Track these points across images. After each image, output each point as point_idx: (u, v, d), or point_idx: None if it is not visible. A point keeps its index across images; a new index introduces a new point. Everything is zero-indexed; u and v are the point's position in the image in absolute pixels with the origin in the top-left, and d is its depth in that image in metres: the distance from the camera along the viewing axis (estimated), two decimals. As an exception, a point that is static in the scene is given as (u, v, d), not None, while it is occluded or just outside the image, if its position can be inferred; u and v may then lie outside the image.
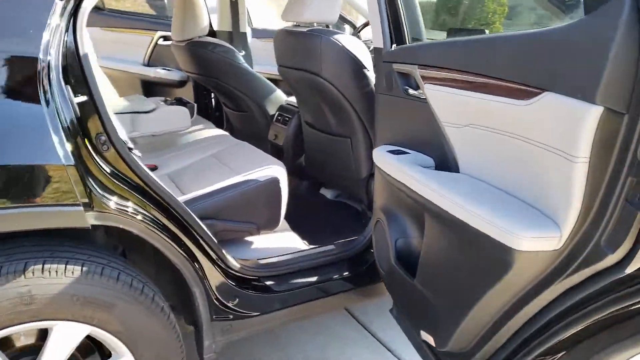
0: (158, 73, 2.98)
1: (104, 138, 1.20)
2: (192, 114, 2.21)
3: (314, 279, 1.61)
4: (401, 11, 1.44)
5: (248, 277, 1.51)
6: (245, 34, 2.86)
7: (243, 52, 2.70)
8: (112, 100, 2.17)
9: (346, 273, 1.67)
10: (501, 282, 1.02)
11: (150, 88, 3.11)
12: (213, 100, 2.96)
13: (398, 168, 1.35)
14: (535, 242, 0.94)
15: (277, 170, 1.69)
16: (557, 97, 0.89)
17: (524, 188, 1.05)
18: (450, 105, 1.22)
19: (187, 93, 3.00)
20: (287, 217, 1.78)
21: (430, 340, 1.32)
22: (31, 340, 1.23)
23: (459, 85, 1.17)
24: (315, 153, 2.21)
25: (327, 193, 2.33)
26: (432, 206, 1.19)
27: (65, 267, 1.11)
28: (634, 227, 0.82)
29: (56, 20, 1.10)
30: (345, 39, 1.76)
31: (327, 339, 1.92)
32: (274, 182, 1.65)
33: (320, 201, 2.30)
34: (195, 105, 2.38)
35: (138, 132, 2.00)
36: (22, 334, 1.21)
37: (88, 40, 1.29)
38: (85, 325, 1.16)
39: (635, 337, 0.95)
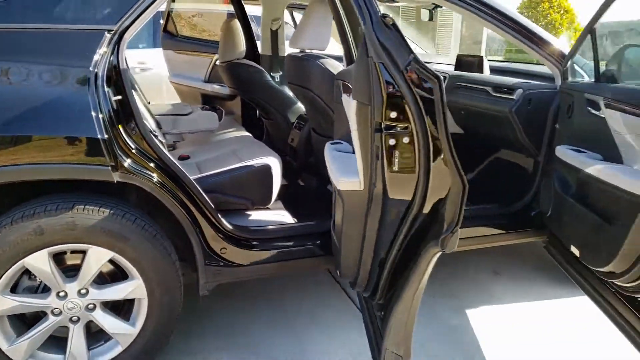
0: (214, 88, 3.62)
1: (132, 125, 1.76)
2: (220, 118, 2.78)
3: (289, 243, 2.06)
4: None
5: (236, 236, 2.00)
6: (283, 57, 3.41)
7: (280, 72, 3.26)
8: (160, 105, 2.81)
9: (317, 242, 2.10)
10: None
11: (208, 100, 3.76)
12: (258, 111, 3.54)
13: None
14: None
15: (271, 160, 2.18)
16: None
17: None
18: None
19: (236, 105, 3.61)
20: (287, 201, 2.25)
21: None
22: (76, 261, 1.80)
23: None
24: (319, 154, 2.67)
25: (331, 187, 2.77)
26: None
27: (99, 209, 1.68)
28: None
29: (104, 47, 1.68)
30: (328, 62, 2.23)
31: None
32: (266, 167, 2.14)
33: (322, 192, 2.74)
34: (223, 111, 2.94)
35: (177, 130, 2.60)
36: (69, 255, 1.78)
37: (125, 60, 1.86)
38: (109, 251, 1.71)
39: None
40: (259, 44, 3.44)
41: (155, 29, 5.09)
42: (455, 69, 3.24)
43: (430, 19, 2.87)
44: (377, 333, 1.54)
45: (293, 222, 2.20)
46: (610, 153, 1.91)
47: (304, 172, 2.79)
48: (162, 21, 4.16)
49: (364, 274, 1.60)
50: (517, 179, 2.66)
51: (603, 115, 1.93)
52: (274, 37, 3.32)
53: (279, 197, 2.35)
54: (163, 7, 3.78)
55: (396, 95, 1.27)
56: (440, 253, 1.33)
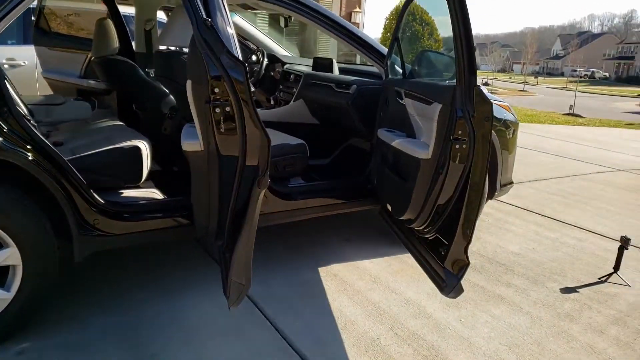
0: (89, 83, 3.77)
1: (5, 109, 1.97)
2: (93, 108, 2.99)
3: (158, 215, 2.38)
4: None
5: (108, 209, 2.27)
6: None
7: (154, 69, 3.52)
8: (33, 96, 2.97)
9: (184, 214, 2.44)
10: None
11: (85, 95, 3.89)
12: (133, 104, 3.75)
13: None
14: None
15: (140, 143, 2.48)
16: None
17: None
18: None
19: (112, 99, 3.79)
20: (160, 183, 2.55)
21: None
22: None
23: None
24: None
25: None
26: None
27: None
28: None
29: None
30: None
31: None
32: (135, 148, 2.43)
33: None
34: (96, 101, 3.15)
35: (51, 119, 2.78)
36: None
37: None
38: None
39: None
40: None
41: (25, 25, 5.03)
42: (312, 69, 3.75)
43: (286, 25, 3.35)
44: (225, 271, 1.93)
45: (162, 198, 2.52)
46: (410, 131, 2.50)
47: (178, 158, 3.10)
48: (33, 18, 4.18)
49: (213, 224, 1.99)
50: (360, 158, 3.22)
51: (404, 103, 2.52)
52: (148, 36, 3.57)
53: (153, 179, 2.65)
54: (34, 4, 3.84)
55: (217, 76, 1.69)
56: (262, 192, 1.73)
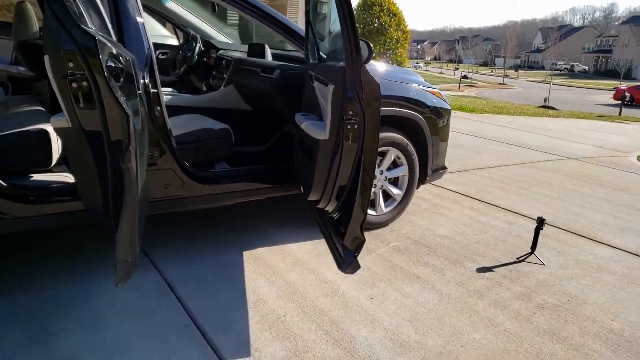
0: (19, 70, 3.74)
1: None
2: (6, 92, 2.98)
3: (66, 198, 2.40)
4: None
5: (14, 193, 2.29)
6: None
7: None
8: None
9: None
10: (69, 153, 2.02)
11: (17, 83, 3.84)
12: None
13: None
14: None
15: (47, 127, 2.48)
16: None
17: None
18: None
19: (44, 87, 3.76)
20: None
21: None
22: None
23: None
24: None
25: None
26: None
27: None
28: None
29: None
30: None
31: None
32: (42, 131, 2.44)
33: None
34: (10, 85, 3.13)
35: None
36: None
37: None
38: None
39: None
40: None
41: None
42: (247, 56, 3.78)
43: (213, 10, 3.37)
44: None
45: (73, 181, 2.53)
46: (319, 113, 2.55)
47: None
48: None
49: (100, 201, 2.02)
50: (289, 144, 3.27)
51: (314, 86, 2.57)
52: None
53: (68, 165, 2.67)
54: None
55: (71, 51, 1.70)
56: (132, 168, 1.75)
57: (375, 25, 16.85)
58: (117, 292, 2.49)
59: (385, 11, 17.00)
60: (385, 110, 3.22)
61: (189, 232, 3.26)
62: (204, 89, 3.89)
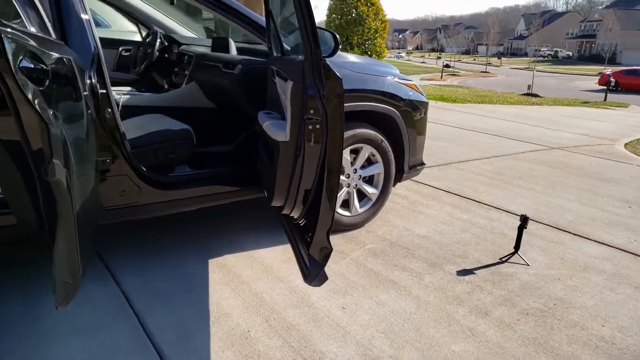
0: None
1: None
2: None
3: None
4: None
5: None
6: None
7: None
8: None
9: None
10: None
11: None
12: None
13: None
14: None
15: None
16: None
17: None
18: None
19: None
20: None
21: None
22: None
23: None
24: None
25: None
26: None
27: None
28: None
29: None
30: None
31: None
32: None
33: None
34: None
35: None
36: None
37: None
38: None
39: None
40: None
41: None
42: (211, 50, 3.56)
43: (172, 3, 3.14)
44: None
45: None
46: (282, 112, 2.35)
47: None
48: None
49: (33, 215, 1.80)
50: (255, 143, 3.07)
51: (276, 82, 2.37)
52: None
53: None
54: None
55: None
56: (57, 181, 1.53)
57: (353, 15, 16.55)
58: (67, 308, 2.29)
59: (362, 1, 16.69)
60: (358, 105, 3.04)
61: (150, 238, 3.06)
62: (166, 86, 3.66)
